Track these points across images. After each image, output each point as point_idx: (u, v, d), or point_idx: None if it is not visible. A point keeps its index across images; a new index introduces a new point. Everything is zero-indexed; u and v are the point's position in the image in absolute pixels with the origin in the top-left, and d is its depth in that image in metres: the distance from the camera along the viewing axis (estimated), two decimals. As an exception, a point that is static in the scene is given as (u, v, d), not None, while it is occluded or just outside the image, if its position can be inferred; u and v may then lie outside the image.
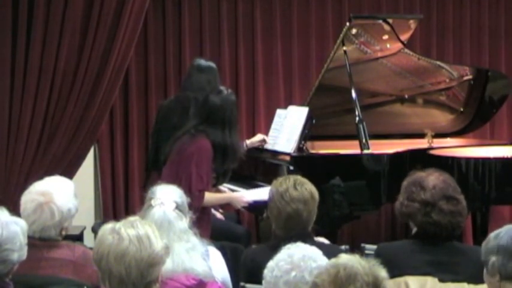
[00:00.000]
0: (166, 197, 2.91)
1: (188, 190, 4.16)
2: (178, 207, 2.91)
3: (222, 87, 4.48)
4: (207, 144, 4.21)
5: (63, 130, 4.94)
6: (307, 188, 3.15)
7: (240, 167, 5.06)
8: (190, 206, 3.05)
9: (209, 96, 4.34)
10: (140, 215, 2.78)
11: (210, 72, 4.84)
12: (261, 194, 4.59)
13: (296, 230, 3.06)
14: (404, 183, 3.15)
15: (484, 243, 2.51)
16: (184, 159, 4.21)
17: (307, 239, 2.69)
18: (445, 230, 3.00)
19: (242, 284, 2.96)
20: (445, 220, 2.99)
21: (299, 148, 4.90)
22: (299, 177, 3.21)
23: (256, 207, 4.82)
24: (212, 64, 4.91)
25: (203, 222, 4.01)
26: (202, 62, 4.94)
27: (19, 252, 2.63)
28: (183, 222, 2.89)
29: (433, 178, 3.07)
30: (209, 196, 4.28)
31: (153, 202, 2.90)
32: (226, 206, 5.37)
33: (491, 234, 2.50)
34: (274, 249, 2.47)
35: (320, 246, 2.52)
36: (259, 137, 5.21)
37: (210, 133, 4.23)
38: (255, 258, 3.04)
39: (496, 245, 2.44)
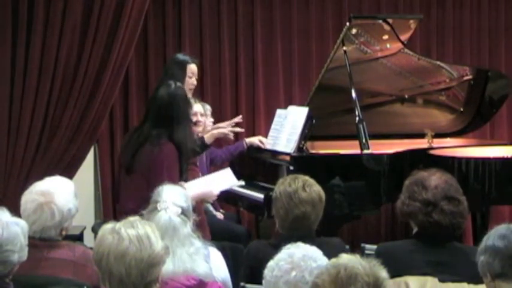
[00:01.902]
0: (172, 201, 2.90)
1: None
2: (183, 212, 2.90)
3: (170, 81, 4.28)
4: (171, 146, 4.09)
5: (63, 130, 4.94)
6: (315, 190, 3.14)
7: (241, 167, 5.07)
8: (195, 209, 3.05)
9: (157, 92, 4.21)
10: (145, 217, 2.77)
11: (175, 65, 4.81)
12: (223, 183, 4.46)
13: (301, 231, 3.06)
14: (407, 182, 3.15)
15: (480, 243, 2.54)
16: (154, 168, 4.07)
17: (310, 240, 2.68)
18: (446, 230, 3.00)
19: (242, 284, 2.96)
20: (446, 220, 2.99)
21: (299, 148, 4.89)
22: (308, 178, 3.19)
23: (257, 206, 4.83)
24: (184, 57, 4.86)
25: (201, 222, 3.99)
26: (178, 54, 4.98)
27: (19, 253, 2.63)
28: (187, 228, 2.88)
29: (435, 178, 3.08)
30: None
31: (158, 206, 2.89)
32: (226, 206, 5.39)
33: (485, 236, 2.53)
34: (277, 247, 2.47)
35: (322, 244, 2.52)
36: (258, 137, 5.21)
37: (169, 134, 4.10)
38: (258, 254, 3.04)
39: (484, 246, 2.49)
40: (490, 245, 2.47)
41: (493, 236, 2.48)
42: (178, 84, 4.30)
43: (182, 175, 4.24)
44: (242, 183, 4.57)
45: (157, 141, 4.09)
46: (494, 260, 2.45)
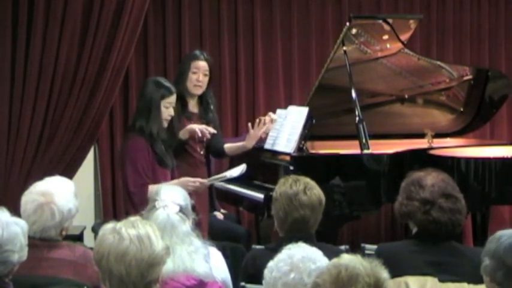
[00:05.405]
0: (170, 200, 2.91)
1: (126, 190, 4.25)
2: (182, 210, 2.91)
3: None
4: (136, 138, 4.30)
5: (63, 130, 4.93)
6: (316, 193, 3.13)
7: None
8: (194, 208, 3.05)
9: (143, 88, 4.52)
10: (143, 216, 2.77)
11: (184, 60, 4.95)
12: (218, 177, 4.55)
13: (300, 234, 3.05)
14: (403, 184, 3.17)
15: (489, 239, 2.53)
16: (122, 165, 4.36)
17: (308, 241, 2.67)
18: (445, 227, 3.01)
19: (242, 284, 2.96)
20: (445, 217, 3.00)
21: (299, 148, 4.89)
22: (309, 181, 3.18)
23: (257, 206, 4.82)
24: (193, 53, 4.89)
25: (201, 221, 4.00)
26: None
27: (19, 253, 2.63)
28: (186, 226, 2.89)
29: (431, 177, 3.09)
30: (156, 187, 4.25)
31: (156, 204, 2.89)
32: (226, 206, 5.38)
33: (497, 234, 2.51)
34: (276, 251, 2.46)
35: (321, 247, 2.52)
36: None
37: (138, 126, 4.32)
38: (255, 262, 3.04)
39: (493, 250, 2.48)
40: (500, 255, 2.45)
41: (504, 246, 2.46)
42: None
43: (163, 162, 4.29)
44: (243, 166, 4.51)
45: (127, 134, 4.42)
46: (498, 271, 2.45)
